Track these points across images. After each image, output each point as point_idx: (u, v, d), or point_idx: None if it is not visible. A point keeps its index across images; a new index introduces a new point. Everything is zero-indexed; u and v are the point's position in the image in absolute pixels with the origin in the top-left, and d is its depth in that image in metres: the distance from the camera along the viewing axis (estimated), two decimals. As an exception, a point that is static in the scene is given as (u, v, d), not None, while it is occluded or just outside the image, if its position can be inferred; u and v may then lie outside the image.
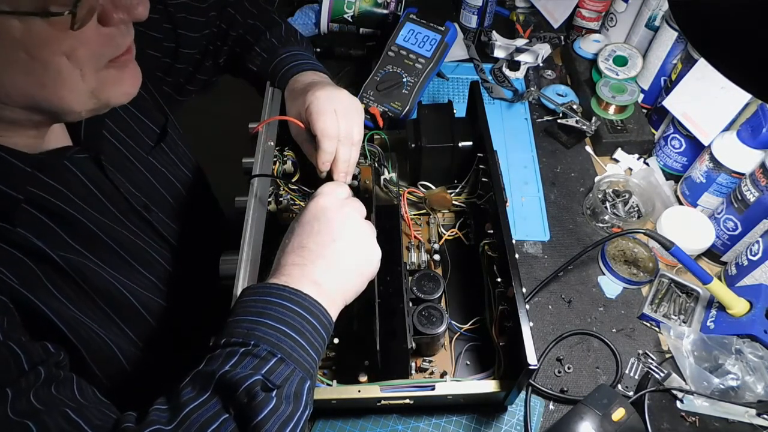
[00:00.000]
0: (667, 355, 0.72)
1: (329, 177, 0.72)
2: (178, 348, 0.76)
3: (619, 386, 0.71)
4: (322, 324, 0.52)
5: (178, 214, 0.77)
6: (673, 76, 0.91)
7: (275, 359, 0.48)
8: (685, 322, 0.76)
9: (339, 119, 0.70)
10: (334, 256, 0.55)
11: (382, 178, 0.81)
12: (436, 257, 0.76)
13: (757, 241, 0.73)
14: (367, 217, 0.61)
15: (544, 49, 1.09)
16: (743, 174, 0.77)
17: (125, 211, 0.66)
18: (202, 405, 0.46)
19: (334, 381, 0.63)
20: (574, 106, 0.97)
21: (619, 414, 0.62)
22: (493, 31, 1.14)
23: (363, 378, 0.64)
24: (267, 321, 0.50)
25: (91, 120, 0.58)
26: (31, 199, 0.54)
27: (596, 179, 0.92)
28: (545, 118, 1.01)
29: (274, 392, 0.46)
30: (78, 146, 0.60)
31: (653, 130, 0.97)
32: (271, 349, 0.48)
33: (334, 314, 0.54)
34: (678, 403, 0.67)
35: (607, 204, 0.88)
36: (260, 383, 0.46)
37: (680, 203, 0.89)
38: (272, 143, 0.73)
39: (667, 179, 0.93)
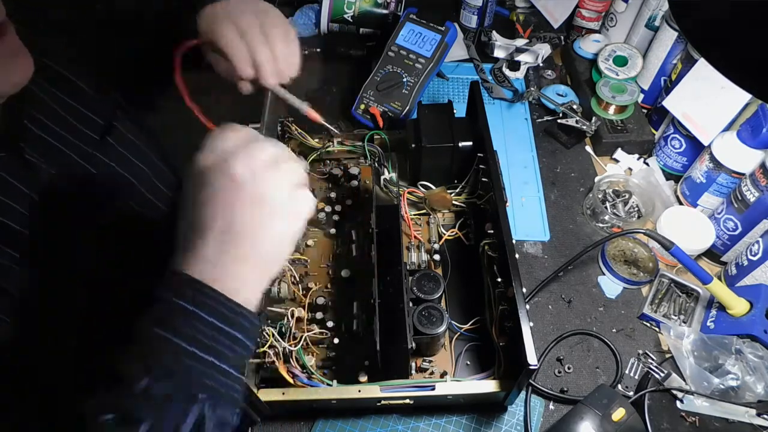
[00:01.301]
0: (667, 355, 0.72)
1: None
2: None
3: (619, 386, 0.71)
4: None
5: (131, 212, 0.76)
6: (673, 76, 0.91)
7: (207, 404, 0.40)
8: (685, 322, 0.76)
9: (238, 22, 0.62)
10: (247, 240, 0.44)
11: (382, 178, 0.81)
12: (436, 257, 0.76)
13: (757, 241, 0.73)
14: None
15: (544, 49, 1.09)
16: (743, 174, 0.77)
17: (68, 216, 0.64)
18: None
19: (334, 381, 0.63)
20: (574, 106, 0.97)
21: (619, 414, 0.62)
22: (493, 31, 1.14)
23: (363, 378, 0.64)
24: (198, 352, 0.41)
25: (10, 116, 0.56)
26: None
27: (596, 179, 0.92)
28: (545, 118, 1.01)
29: None
30: None
31: (653, 130, 0.97)
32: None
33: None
34: (678, 403, 0.67)
35: (607, 204, 0.88)
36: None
37: (680, 203, 0.89)
38: (272, 143, 0.73)
39: (667, 179, 0.93)
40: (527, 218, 0.88)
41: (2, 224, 0.58)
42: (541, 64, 1.10)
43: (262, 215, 0.44)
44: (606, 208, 0.87)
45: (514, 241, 0.63)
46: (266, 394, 0.61)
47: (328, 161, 0.86)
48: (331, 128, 0.70)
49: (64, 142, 0.67)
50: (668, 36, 0.92)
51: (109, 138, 0.72)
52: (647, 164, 0.94)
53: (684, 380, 0.69)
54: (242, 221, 0.44)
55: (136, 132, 0.78)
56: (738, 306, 0.72)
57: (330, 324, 0.69)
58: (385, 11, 1.11)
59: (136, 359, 0.40)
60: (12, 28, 0.52)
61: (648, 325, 0.77)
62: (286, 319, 0.64)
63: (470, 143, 0.78)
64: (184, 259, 0.44)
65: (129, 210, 0.75)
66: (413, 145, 0.78)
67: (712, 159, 0.80)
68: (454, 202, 0.81)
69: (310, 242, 0.78)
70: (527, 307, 0.59)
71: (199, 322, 0.41)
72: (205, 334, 0.41)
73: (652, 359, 0.72)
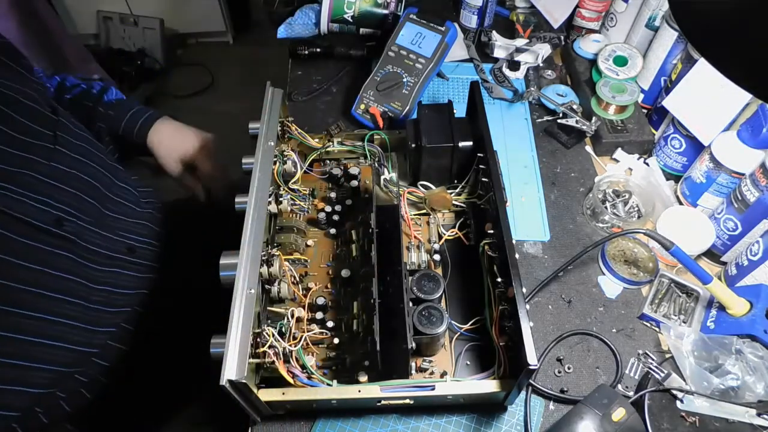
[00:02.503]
0: (667, 355, 0.72)
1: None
2: (159, 363, 0.76)
3: (619, 386, 0.71)
4: None
5: (108, 219, 0.76)
6: (673, 76, 0.91)
7: None
8: (685, 322, 0.76)
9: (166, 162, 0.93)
10: None
11: (382, 178, 0.81)
12: (436, 257, 0.76)
13: (757, 241, 0.73)
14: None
15: (544, 49, 1.09)
16: (743, 174, 0.77)
17: (24, 232, 0.64)
18: None
19: (334, 381, 0.63)
20: (574, 106, 0.97)
21: (619, 414, 0.62)
22: (493, 31, 1.14)
23: (363, 378, 0.64)
24: None
25: None
26: None
27: (596, 179, 0.92)
28: (545, 118, 1.01)
29: None
30: None
31: (653, 130, 0.97)
32: None
33: None
34: (678, 403, 0.67)
35: (607, 204, 0.88)
36: None
37: (680, 203, 0.89)
38: (272, 143, 0.73)
39: (667, 179, 0.93)
40: (527, 218, 0.88)
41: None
42: (541, 64, 1.10)
43: None
44: (606, 208, 0.87)
45: (514, 241, 0.63)
46: (266, 394, 0.61)
47: (328, 161, 0.86)
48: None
49: (20, 163, 0.66)
50: (668, 36, 0.92)
51: (58, 146, 0.73)
52: (647, 164, 0.94)
53: (684, 380, 0.69)
54: None
55: (78, 135, 0.79)
56: (738, 306, 0.72)
57: (330, 324, 0.69)
58: (385, 11, 1.11)
59: None
60: None
61: (648, 325, 0.77)
62: (286, 319, 0.64)
63: (470, 143, 0.78)
64: None
65: (97, 212, 0.75)
66: (413, 145, 0.78)
67: (712, 159, 0.80)
68: (454, 202, 0.81)
69: (310, 242, 0.78)
70: (527, 307, 0.59)
71: None
72: None
73: (652, 359, 0.72)
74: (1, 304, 0.61)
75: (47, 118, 0.73)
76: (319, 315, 0.69)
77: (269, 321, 0.66)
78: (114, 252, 0.76)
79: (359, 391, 0.62)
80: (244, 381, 0.53)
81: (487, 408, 0.68)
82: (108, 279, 0.75)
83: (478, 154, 0.76)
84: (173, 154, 0.92)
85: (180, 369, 0.88)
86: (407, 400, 0.63)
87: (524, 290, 0.59)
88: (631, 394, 0.69)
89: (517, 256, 0.62)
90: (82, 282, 0.71)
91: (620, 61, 0.98)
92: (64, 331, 0.68)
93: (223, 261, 0.62)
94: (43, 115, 0.73)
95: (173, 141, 0.92)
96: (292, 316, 0.65)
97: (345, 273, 0.72)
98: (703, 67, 0.83)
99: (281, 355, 0.61)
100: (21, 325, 0.63)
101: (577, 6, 1.10)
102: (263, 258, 0.65)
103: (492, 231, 0.71)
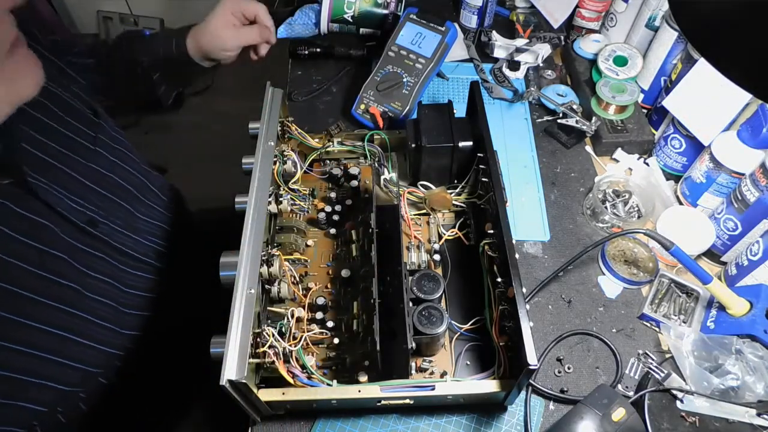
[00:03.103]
0: (667, 355, 0.72)
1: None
2: (162, 363, 0.76)
3: (619, 386, 0.71)
4: None
5: (139, 222, 0.77)
6: (673, 76, 0.91)
7: None
8: (685, 322, 0.76)
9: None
10: None
11: (382, 178, 0.81)
12: (436, 257, 0.76)
13: (757, 241, 0.73)
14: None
15: (544, 49, 1.09)
16: (743, 174, 0.77)
17: (66, 230, 0.65)
18: None
19: (334, 381, 0.63)
20: (574, 106, 0.97)
21: (619, 414, 0.62)
22: (493, 31, 1.14)
23: (363, 378, 0.64)
24: None
25: (3, 142, 0.56)
26: None
27: (596, 179, 0.92)
28: (545, 118, 1.01)
29: None
30: None
31: (653, 130, 0.97)
32: None
33: None
34: (678, 403, 0.67)
35: (607, 204, 0.88)
36: None
37: (680, 203, 0.89)
38: (272, 143, 0.73)
39: (667, 179, 0.93)
40: (527, 218, 0.88)
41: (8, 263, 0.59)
42: (541, 64, 1.10)
43: None
44: (606, 208, 0.87)
45: (514, 241, 0.63)
46: (266, 394, 0.61)
47: (328, 161, 0.86)
48: None
49: (60, 158, 0.67)
50: (668, 36, 0.92)
51: (98, 148, 0.73)
52: (647, 164, 0.94)
53: (684, 380, 0.69)
54: None
55: (116, 139, 0.79)
56: (738, 306, 0.72)
57: (330, 324, 0.69)
58: (385, 11, 1.11)
59: None
60: (25, 42, 0.52)
61: (648, 325, 0.77)
62: (286, 319, 0.64)
63: (470, 143, 0.78)
64: None
65: (129, 215, 0.76)
66: (413, 145, 0.78)
67: (712, 159, 0.80)
68: (454, 202, 0.81)
69: (310, 242, 0.78)
70: (527, 307, 0.59)
71: None
72: None
73: (652, 359, 0.72)
74: (44, 297, 0.62)
75: (88, 119, 0.74)
76: (319, 315, 0.69)
77: (269, 321, 0.66)
78: (141, 255, 0.77)
79: (359, 391, 0.62)
80: (244, 381, 0.53)
81: (487, 408, 0.68)
82: (136, 282, 0.75)
83: (478, 154, 0.76)
84: (222, 32, 0.84)
85: (180, 369, 0.88)
86: (407, 400, 0.63)
87: (524, 290, 0.59)
88: (631, 394, 0.69)
89: (517, 256, 0.62)
90: (114, 284, 0.72)
91: (620, 61, 0.98)
92: (96, 330, 0.68)
93: (223, 261, 0.62)
94: (84, 115, 0.73)
95: (211, 25, 0.84)
96: (292, 316, 0.65)
97: (345, 273, 0.72)
98: (703, 67, 0.83)
99: (281, 355, 0.61)
100: (60, 321, 0.64)
101: (577, 6, 1.10)
102: (263, 258, 0.65)
103: (492, 231, 0.71)
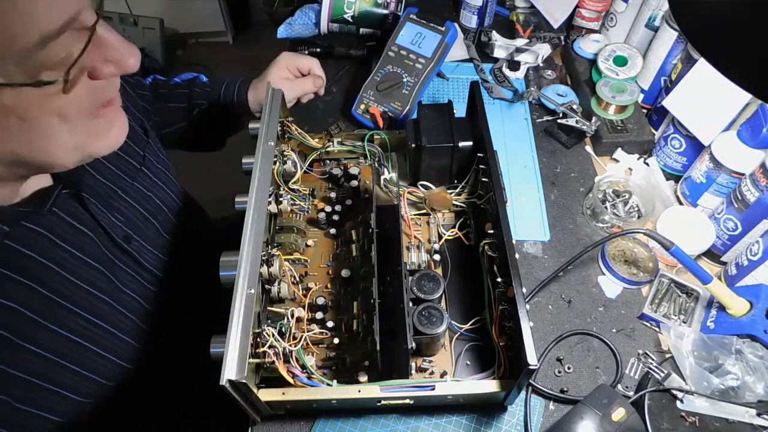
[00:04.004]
0: (667, 355, 0.72)
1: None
2: (164, 370, 0.76)
3: (619, 386, 0.71)
4: None
5: (162, 240, 0.77)
6: (673, 76, 0.91)
7: None
8: (685, 322, 0.76)
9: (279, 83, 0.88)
10: None
11: (382, 178, 0.81)
12: (436, 257, 0.76)
13: (757, 241, 0.73)
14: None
15: (544, 49, 1.09)
16: (743, 174, 0.77)
17: (106, 245, 0.65)
18: None
19: (334, 381, 0.63)
20: (574, 106, 0.97)
21: (619, 414, 0.62)
22: (493, 31, 1.14)
23: (363, 378, 0.64)
24: None
25: None
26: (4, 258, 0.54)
27: (596, 179, 0.92)
28: (545, 118, 1.01)
29: None
30: (60, 184, 0.59)
31: (653, 130, 0.97)
32: None
33: None
34: (678, 403, 0.67)
35: (607, 204, 0.88)
36: None
37: (680, 203, 0.89)
38: (272, 143, 0.73)
39: (667, 179, 0.93)
40: (527, 218, 0.88)
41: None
42: (541, 64, 1.10)
43: None
44: (606, 208, 0.87)
45: (514, 241, 0.63)
46: (266, 394, 0.61)
47: (328, 161, 0.86)
48: None
49: (109, 176, 0.69)
50: (668, 36, 0.92)
51: (144, 167, 0.75)
52: (647, 164, 0.94)
53: (684, 380, 0.69)
54: None
55: (159, 159, 0.81)
56: (738, 306, 0.72)
57: (330, 324, 0.69)
58: (385, 11, 1.11)
59: None
60: (120, 100, 0.54)
61: (648, 325, 0.77)
62: (286, 319, 0.64)
63: (470, 143, 0.78)
64: None
65: (157, 234, 0.76)
66: (413, 145, 0.78)
67: (712, 159, 0.80)
68: (454, 202, 0.81)
69: (310, 242, 0.78)
70: (527, 307, 0.59)
71: None
72: None
73: (652, 359, 0.72)
74: (78, 307, 0.61)
75: (139, 137, 0.76)
76: (319, 315, 0.69)
77: (269, 321, 0.66)
78: (159, 271, 0.77)
79: (359, 391, 0.62)
80: (244, 381, 0.53)
81: (487, 408, 0.68)
82: (156, 300, 0.75)
83: (478, 154, 0.76)
84: (281, 84, 0.88)
85: (180, 369, 0.87)
86: (407, 400, 0.63)
87: (524, 290, 0.59)
88: (631, 394, 0.69)
89: (517, 256, 0.62)
90: (141, 301, 0.72)
91: (620, 61, 0.98)
92: (116, 344, 0.68)
93: (223, 261, 0.62)
94: (136, 133, 0.75)
95: (271, 79, 0.91)
96: (292, 316, 0.65)
97: (345, 273, 0.72)
98: (703, 67, 0.83)
99: (281, 355, 0.61)
100: (89, 332, 0.64)
101: (577, 6, 1.10)
102: (263, 258, 0.65)
103: (492, 231, 0.71)
